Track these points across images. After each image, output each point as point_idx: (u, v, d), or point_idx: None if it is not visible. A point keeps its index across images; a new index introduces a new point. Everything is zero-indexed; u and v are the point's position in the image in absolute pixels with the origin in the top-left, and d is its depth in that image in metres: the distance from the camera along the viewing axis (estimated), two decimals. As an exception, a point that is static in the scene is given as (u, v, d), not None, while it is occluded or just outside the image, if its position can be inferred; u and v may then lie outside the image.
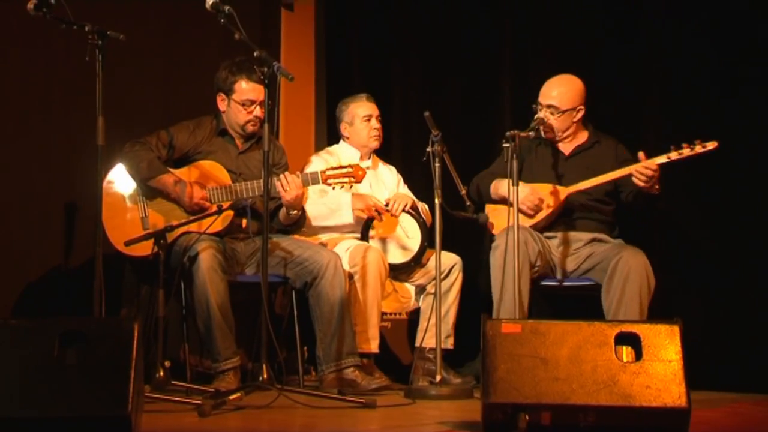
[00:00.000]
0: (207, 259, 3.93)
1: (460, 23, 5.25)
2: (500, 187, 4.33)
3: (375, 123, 4.75)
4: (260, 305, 3.52)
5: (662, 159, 4.06)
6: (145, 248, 3.89)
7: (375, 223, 4.57)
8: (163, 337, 3.65)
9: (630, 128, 4.62)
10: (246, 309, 4.15)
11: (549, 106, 4.35)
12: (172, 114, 4.59)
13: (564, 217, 4.35)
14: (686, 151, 4.03)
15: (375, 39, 5.52)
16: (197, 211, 4.12)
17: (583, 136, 4.48)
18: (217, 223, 4.08)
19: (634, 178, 4.05)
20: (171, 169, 4.21)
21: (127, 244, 3.96)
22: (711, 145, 4.01)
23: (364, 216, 4.49)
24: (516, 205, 3.89)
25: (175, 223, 3.97)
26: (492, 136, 4.79)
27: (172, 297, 3.91)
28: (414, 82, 5.39)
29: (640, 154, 4.05)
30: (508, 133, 3.96)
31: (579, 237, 4.30)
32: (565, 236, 4.33)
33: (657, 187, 4.10)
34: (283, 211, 4.22)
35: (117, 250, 4.07)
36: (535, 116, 4.35)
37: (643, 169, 4.03)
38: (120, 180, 4.21)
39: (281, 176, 4.06)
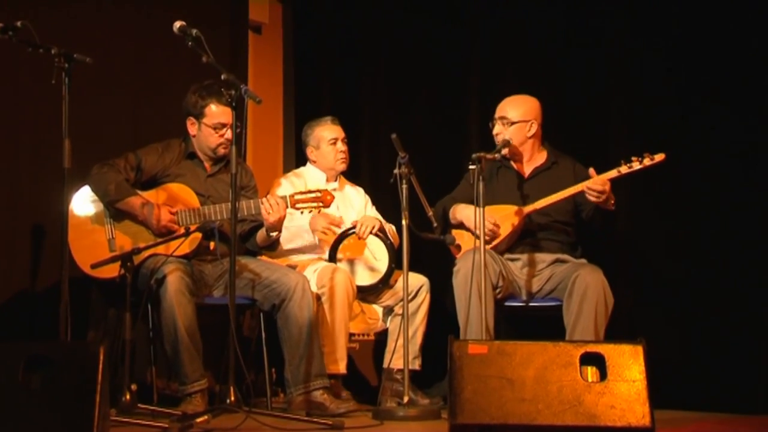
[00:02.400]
0: (174, 281, 3.90)
1: (428, 45, 5.28)
2: (457, 211, 4.37)
3: (341, 146, 4.73)
4: (228, 327, 3.51)
5: (612, 174, 4.10)
6: (112, 271, 3.86)
7: (343, 245, 4.54)
8: (129, 360, 3.62)
9: (596, 146, 4.66)
10: (214, 331, 4.11)
11: (501, 118, 4.39)
12: (140, 136, 4.59)
13: (527, 239, 4.36)
14: (635, 165, 4.06)
15: (343, 61, 5.53)
16: (165, 234, 4.10)
17: (541, 157, 4.49)
18: (185, 246, 4.06)
19: (587, 194, 4.08)
20: (139, 192, 4.18)
21: (94, 266, 3.94)
22: (659, 158, 4.05)
23: (326, 236, 4.47)
24: (483, 227, 3.90)
25: (142, 245, 3.96)
26: (460, 157, 4.78)
27: (139, 320, 3.88)
28: (382, 104, 5.39)
29: (591, 171, 4.08)
30: (474, 155, 3.98)
31: (542, 258, 4.32)
32: (530, 258, 4.34)
33: (612, 202, 4.12)
34: (262, 233, 4.22)
35: (83, 273, 4.04)
36: (495, 134, 4.41)
37: (593, 184, 4.06)
38: (87, 202, 4.18)
39: (265, 199, 4.06)
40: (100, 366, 2.69)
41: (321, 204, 4.03)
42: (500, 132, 4.39)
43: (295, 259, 4.57)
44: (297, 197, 4.02)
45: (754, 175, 4.25)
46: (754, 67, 4.25)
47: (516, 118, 4.39)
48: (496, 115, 4.40)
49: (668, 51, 4.52)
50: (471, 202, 4.19)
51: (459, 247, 4.40)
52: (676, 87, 4.47)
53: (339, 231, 4.41)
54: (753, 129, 4.26)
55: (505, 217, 4.33)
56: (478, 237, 3.92)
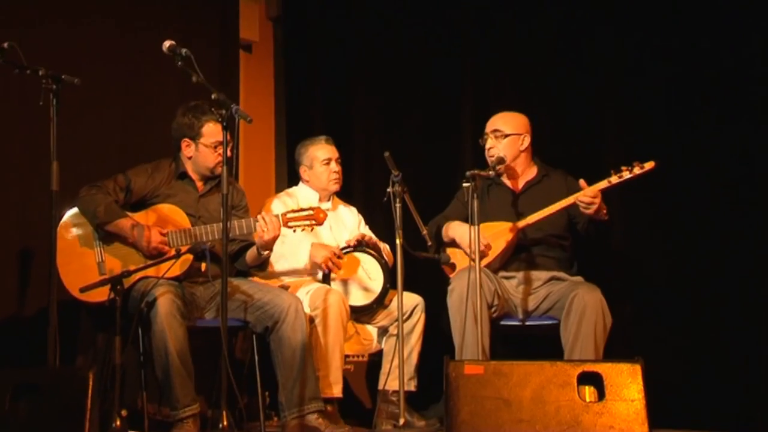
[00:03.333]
0: (165, 304, 3.85)
1: (419, 62, 5.26)
2: (449, 229, 4.33)
3: (334, 166, 4.68)
4: (220, 350, 3.47)
5: (603, 184, 4.06)
6: (102, 294, 3.81)
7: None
8: (119, 385, 3.57)
9: (589, 160, 4.65)
10: (206, 354, 4.05)
11: (494, 132, 4.36)
12: (129, 157, 4.53)
13: (522, 254, 4.31)
14: (625, 174, 4.03)
15: (334, 79, 5.49)
16: (155, 256, 4.04)
17: (532, 172, 4.46)
18: (176, 268, 4.00)
19: (579, 206, 4.06)
20: (129, 213, 4.12)
21: (83, 290, 3.89)
22: (648, 166, 4.02)
23: (323, 269, 4.43)
24: (478, 245, 3.85)
25: (132, 268, 3.91)
26: (453, 175, 4.79)
27: (129, 344, 3.83)
28: (375, 122, 5.35)
29: (581, 182, 4.06)
30: (468, 173, 3.94)
31: (538, 276, 4.27)
32: (525, 276, 4.29)
33: (604, 212, 4.09)
34: (252, 251, 4.17)
35: (72, 297, 3.98)
36: (487, 149, 4.36)
37: (584, 196, 4.03)
38: (76, 224, 4.11)
39: (260, 217, 4.02)
40: (89, 392, 2.67)
41: (314, 222, 3.98)
42: (493, 146, 4.35)
43: (288, 280, 4.52)
44: (289, 215, 3.98)
45: (752, 187, 4.27)
46: (746, 76, 4.29)
47: (509, 130, 4.37)
48: (488, 130, 4.37)
49: (659, 62, 4.57)
50: (464, 220, 4.15)
51: (454, 266, 4.35)
52: (669, 97, 4.50)
53: (339, 265, 4.40)
54: (748, 139, 4.29)
55: (498, 234, 4.28)
56: (470, 257, 3.89)
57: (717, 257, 4.33)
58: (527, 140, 4.40)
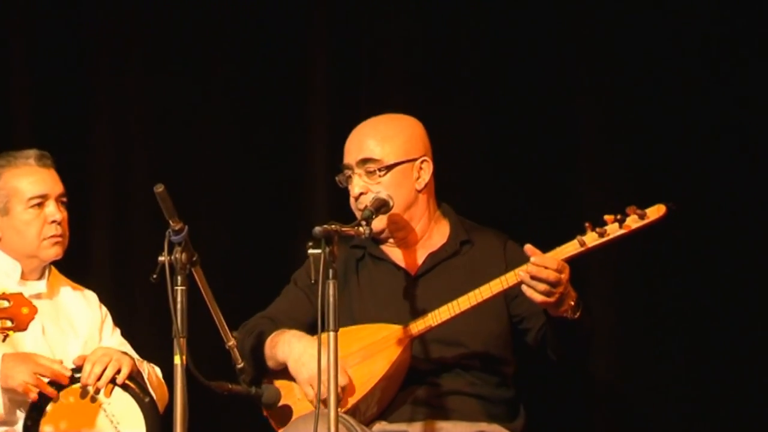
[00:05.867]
0: None
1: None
2: (279, 344, 3.29)
3: (54, 210, 3.49)
4: None
5: (570, 249, 3.05)
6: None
7: (53, 407, 3.40)
8: None
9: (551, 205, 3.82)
10: None
11: (364, 161, 3.28)
12: None
13: (419, 390, 3.22)
14: (613, 230, 3.03)
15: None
16: None
17: (440, 233, 3.36)
18: None
19: (524, 288, 2.99)
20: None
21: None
22: (654, 215, 3.04)
23: (30, 396, 3.36)
24: (332, 379, 2.81)
25: None
26: (290, 229, 3.94)
27: None
28: (139, 121, 4.29)
29: (528, 248, 3.04)
30: (318, 229, 2.85)
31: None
32: (425, 430, 3.23)
33: (572, 303, 3.02)
34: None
35: None
36: (353, 196, 3.30)
37: (535, 268, 2.95)
38: None
39: None
40: None
41: (9, 323, 3.02)
42: (364, 189, 3.27)
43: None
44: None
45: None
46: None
47: (392, 156, 3.27)
48: (350, 159, 3.30)
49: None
50: (306, 325, 3.23)
51: (285, 412, 3.29)
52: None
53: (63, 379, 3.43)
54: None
55: (374, 350, 3.25)
56: (313, 402, 3.05)
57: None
58: (428, 170, 3.32)
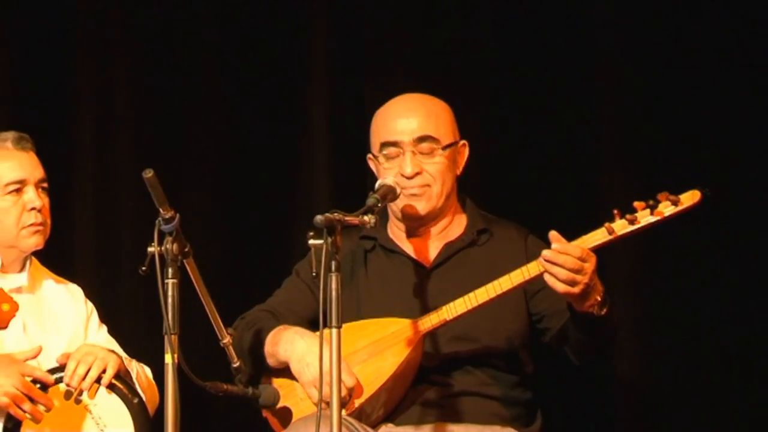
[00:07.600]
0: None
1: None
2: (280, 341, 3.19)
3: (33, 197, 3.36)
4: None
5: (598, 236, 2.94)
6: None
7: (33, 409, 3.24)
8: None
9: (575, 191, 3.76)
10: None
11: (421, 139, 3.08)
12: None
13: (428, 391, 3.10)
14: (644, 217, 2.89)
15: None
16: None
17: (458, 225, 3.20)
18: None
19: (545, 277, 2.87)
20: None
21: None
22: (689, 200, 2.91)
23: (11, 411, 3.24)
24: (334, 379, 2.71)
25: None
26: (289, 218, 3.89)
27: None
28: (132, 103, 4.16)
29: (552, 234, 2.90)
30: (319, 218, 2.72)
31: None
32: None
33: (598, 298, 2.86)
34: None
35: None
36: (403, 170, 3.05)
37: (552, 254, 2.82)
38: None
39: None
40: None
41: None
42: (420, 169, 3.10)
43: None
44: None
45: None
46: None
47: (448, 136, 3.13)
48: (403, 137, 3.11)
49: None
50: (308, 320, 3.14)
51: (286, 414, 3.23)
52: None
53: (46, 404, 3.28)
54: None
55: (381, 348, 3.17)
56: (316, 402, 2.91)
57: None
58: (464, 156, 3.22)
